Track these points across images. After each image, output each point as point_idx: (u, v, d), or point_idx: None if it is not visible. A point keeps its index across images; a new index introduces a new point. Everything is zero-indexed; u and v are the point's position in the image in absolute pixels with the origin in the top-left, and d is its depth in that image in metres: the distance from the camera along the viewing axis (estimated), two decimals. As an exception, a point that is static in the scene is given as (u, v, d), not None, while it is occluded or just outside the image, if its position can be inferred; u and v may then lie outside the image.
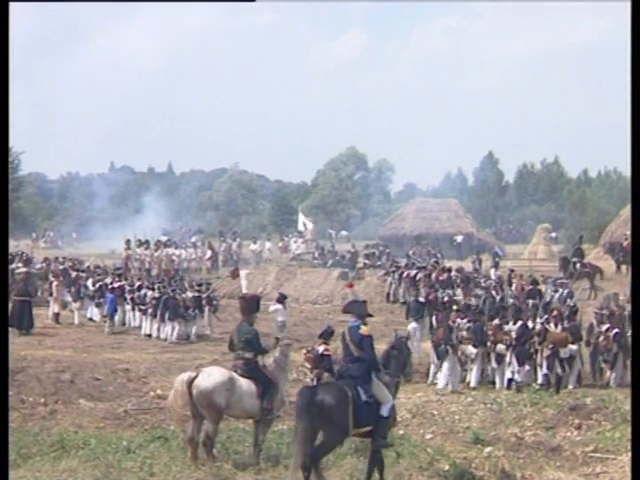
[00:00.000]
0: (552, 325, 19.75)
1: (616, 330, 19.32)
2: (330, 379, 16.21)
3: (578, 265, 33.45)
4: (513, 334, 19.57)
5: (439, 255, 42.23)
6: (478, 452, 13.11)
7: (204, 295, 27.97)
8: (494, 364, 19.63)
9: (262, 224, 55.55)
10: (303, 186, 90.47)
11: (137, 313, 28.78)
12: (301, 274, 37.74)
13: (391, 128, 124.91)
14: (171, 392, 12.75)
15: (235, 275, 32.74)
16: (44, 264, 36.75)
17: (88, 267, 36.06)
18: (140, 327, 28.22)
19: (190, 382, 12.17)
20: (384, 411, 11.12)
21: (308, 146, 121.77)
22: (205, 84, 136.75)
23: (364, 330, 11.32)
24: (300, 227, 50.50)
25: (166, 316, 26.78)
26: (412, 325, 23.39)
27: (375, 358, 11.38)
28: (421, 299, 26.11)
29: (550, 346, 19.10)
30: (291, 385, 14.35)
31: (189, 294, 27.54)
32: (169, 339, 26.46)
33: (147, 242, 44.19)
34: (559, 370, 19.03)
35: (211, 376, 12.28)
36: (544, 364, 19.11)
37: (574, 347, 19.37)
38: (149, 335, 27.40)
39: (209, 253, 44.20)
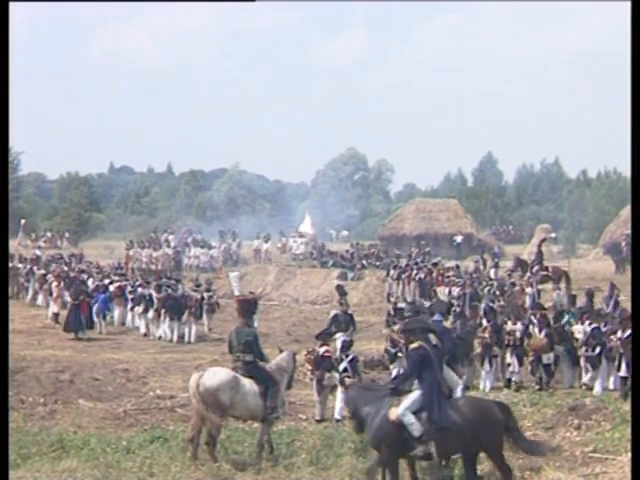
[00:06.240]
0: (536, 330, 19.54)
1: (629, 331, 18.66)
2: (332, 379, 16.26)
3: (536, 268, 31.62)
4: (517, 334, 19.43)
5: (426, 254, 42.12)
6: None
7: (206, 295, 27.94)
8: (487, 366, 19.21)
9: (262, 224, 55.40)
10: (303, 186, 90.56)
11: (137, 313, 28.74)
12: (301, 274, 37.69)
13: (391, 128, 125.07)
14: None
15: (222, 276, 32.38)
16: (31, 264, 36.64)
17: (87, 266, 36.11)
18: (139, 327, 28.20)
19: (197, 381, 12.29)
20: (457, 393, 12.16)
21: (308, 146, 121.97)
22: (205, 84, 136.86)
23: (448, 323, 14.11)
24: (305, 228, 50.48)
25: (166, 316, 26.80)
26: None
27: (453, 350, 13.69)
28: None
29: (531, 353, 19.05)
30: (290, 385, 14.35)
31: (192, 294, 27.47)
32: (167, 338, 26.44)
33: (147, 242, 44.30)
34: (543, 375, 18.90)
35: (216, 375, 12.43)
36: (529, 368, 19.15)
37: (560, 348, 19.25)
38: (145, 334, 27.43)
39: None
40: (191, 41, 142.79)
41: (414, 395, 10.90)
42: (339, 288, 27.13)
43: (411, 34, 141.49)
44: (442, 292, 30.72)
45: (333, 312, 21.72)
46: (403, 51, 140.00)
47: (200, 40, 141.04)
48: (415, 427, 10.71)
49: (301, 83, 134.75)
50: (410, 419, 10.73)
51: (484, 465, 12.44)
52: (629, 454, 11.23)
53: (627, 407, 13.78)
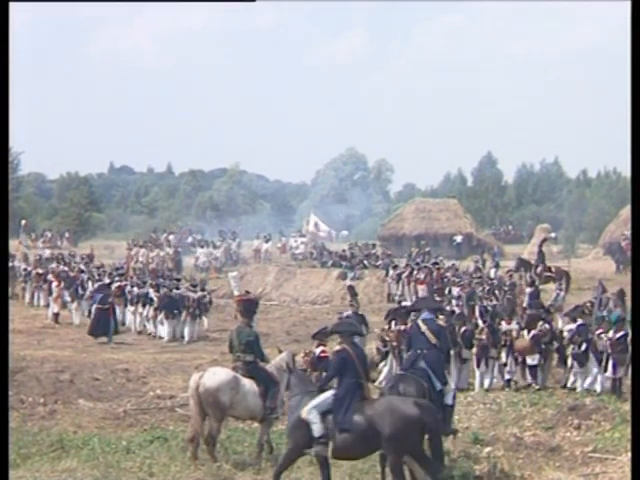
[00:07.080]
0: (525, 331, 19.40)
1: (622, 332, 18.42)
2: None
3: (539, 268, 31.55)
4: (514, 334, 19.36)
5: (426, 254, 42.11)
6: (477, 452, 13.12)
7: (200, 294, 27.90)
8: (482, 367, 19.01)
9: (262, 224, 55.52)
10: (303, 186, 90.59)
11: (136, 313, 28.71)
12: (300, 274, 37.66)
13: (391, 128, 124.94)
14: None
15: (213, 276, 32.26)
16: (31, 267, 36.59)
17: (87, 267, 36.10)
18: (139, 327, 28.20)
19: (197, 381, 12.31)
20: (448, 399, 11.90)
21: (308, 146, 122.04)
22: (205, 84, 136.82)
23: (441, 321, 13.10)
24: (312, 227, 50.41)
25: (163, 316, 26.83)
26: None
27: (450, 348, 13.26)
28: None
29: (516, 354, 18.96)
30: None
31: (189, 294, 27.46)
32: (165, 338, 26.46)
33: (147, 242, 44.34)
34: (529, 378, 18.80)
35: (216, 375, 12.45)
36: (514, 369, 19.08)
37: (551, 347, 19.18)
38: (142, 333, 27.42)
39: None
40: (191, 41, 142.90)
41: (325, 395, 10.84)
42: (350, 289, 27.01)
43: (411, 34, 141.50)
44: (422, 290, 30.89)
45: (344, 314, 21.51)
46: (403, 51, 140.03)
47: (200, 40, 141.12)
48: (316, 427, 10.62)
49: (301, 83, 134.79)
50: (314, 418, 10.65)
51: (483, 465, 12.49)
52: (629, 454, 11.24)
53: (627, 407, 13.79)
